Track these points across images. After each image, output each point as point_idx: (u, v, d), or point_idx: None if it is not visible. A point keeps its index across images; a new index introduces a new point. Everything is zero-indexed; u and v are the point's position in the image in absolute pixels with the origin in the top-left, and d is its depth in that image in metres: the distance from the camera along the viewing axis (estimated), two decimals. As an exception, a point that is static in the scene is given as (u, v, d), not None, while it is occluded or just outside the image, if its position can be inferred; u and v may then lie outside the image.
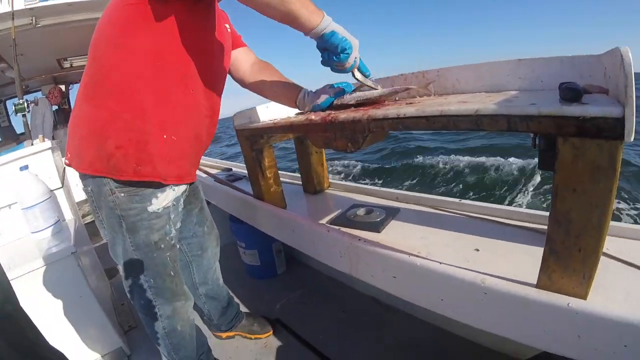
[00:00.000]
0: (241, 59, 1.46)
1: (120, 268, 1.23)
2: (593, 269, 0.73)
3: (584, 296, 0.75)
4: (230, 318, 1.79)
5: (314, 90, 1.27)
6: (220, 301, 1.73)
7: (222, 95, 1.30)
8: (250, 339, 1.82)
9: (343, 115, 1.02)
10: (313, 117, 1.12)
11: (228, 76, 1.39)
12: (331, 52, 1.04)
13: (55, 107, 5.88)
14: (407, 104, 0.98)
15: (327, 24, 1.00)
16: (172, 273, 1.25)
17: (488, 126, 0.74)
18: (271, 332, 1.84)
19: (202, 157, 1.34)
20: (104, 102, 1.06)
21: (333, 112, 1.08)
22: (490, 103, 0.76)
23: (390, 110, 0.92)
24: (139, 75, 1.05)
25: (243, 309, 2.07)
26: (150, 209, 1.15)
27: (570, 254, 0.74)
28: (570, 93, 0.68)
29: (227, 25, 1.34)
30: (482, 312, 0.89)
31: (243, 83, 1.47)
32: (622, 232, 1.03)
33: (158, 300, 1.26)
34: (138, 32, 1.03)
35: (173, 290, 1.27)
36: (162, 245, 1.20)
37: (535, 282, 0.81)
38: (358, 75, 1.12)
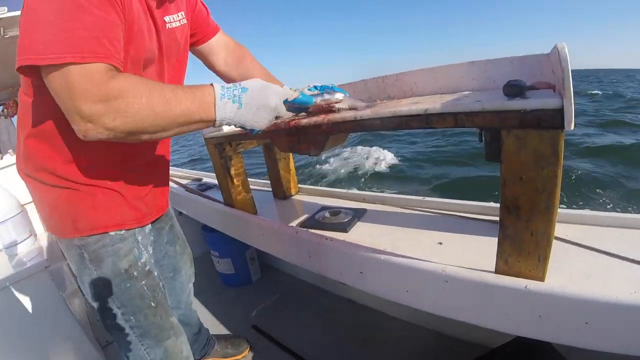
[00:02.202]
0: (214, 48, 1.30)
1: (95, 309, 1.08)
2: (547, 251, 0.78)
3: (541, 278, 0.80)
4: (202, 344, 1.68)
5: (294, 89, 1.13)
6: (192, 327, 1.61)
7: None
8: (227, 363, 1.75)
9: (305, 120, 1.05)
10: (277, 122, 1.13)
11: None
12: None
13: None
14: (366, 106, 1.03)
15: (221, 122, 0.86)
16: (152, 304, 1.08)
17: (437, 124, 0.79)
18: (247, 349, 1.78)
19: (172, 168, 1.27)
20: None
21: (296, 117, 1.11)
22: (438, 103, 0.81)
23: (348, 113, 0.96)
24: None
25: (219, 319, 2.09)
26: (112, 231, 1.02)
27: (522, 238, 0.78)
28: (513, 89, 0.73)
29: (181, 14, 1.09)
30: (445, 300, 0.93)
31: (219, 74, 1.33)
32: (581, 219, 1.09)
33: (145, 341, 1.10)
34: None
35: (159, 325, 1.11)
36: (135, 273, 1.05)
37: (494, 269, 0.86)
38: (288, 115, 1.02)
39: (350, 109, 1.01)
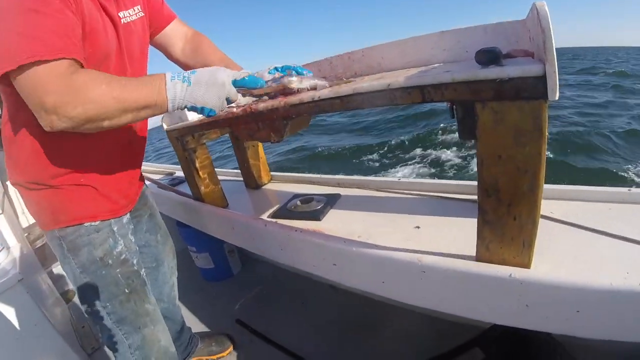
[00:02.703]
0: (172, 37, 1.32)
1: (78, 297, 1.15)
2: (532, 236, 0.71)
3: (527, 264, 0.74)
4: (185, 342, 1.66)
5: (253, 73, 1.14)
6: (175, 323, 1.60)
7: None
8: (213, 360, 1.74)
9: (262, 104, 0.98)
10: (235, 109, 1.07)
11: None
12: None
13: None
14: (328, 85, 0.94)
15: (173, 102, 0.90)
16: (127, 291, 1.14)
17: (402, 99, 0.71)
18: (231, 347, 1.76)
19: (144, 163, 1.30)
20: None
21: (253, 103, 1.03)
22: (403, 76, 0.73)
23: (305, 95, 0.89)
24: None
25: (202, 315, 2.05)
26: (87, 222, 1.08)
27: (505, 223, 0.72)
28: (486, 56, 0.65)
29: (137, 8, 1.14)
30: (424, 292, 0.88)
31: (178, 63, 1.34)
32: (566, 194, 1.04)
33: (122, 327, 1.16)
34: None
35: (134, 310, 1.16)
36: (110, 262, 1.11)
37: (474, 255, 0.80)
38: (242, 100, 1.02)
39: (311, 89, 0.93)
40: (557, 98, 0.58)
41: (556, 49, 0.57)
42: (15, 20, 0.79)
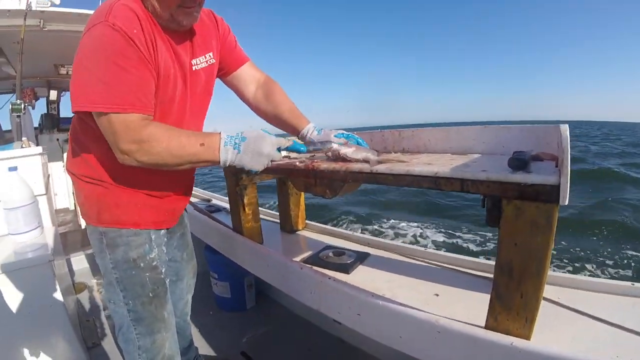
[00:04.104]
0: (244, 81, 1.41)
1: (104, 289, 1.24)
2: (534, 312, 0.84)
3: (527, 336, 0.85)
4: (190, 359, 1.72)
5: (320, 129, 1.33)
6: (184, 339, 1.65)
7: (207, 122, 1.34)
8: (212, 384, 1.75)
9: (324, 165, 1.13)
10: (297, 163, 1.22)
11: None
12: None
13: (34, 111, 5.74)
14: (382, 160, 1.09)
15: (224, 164, 1.06)
16: (150, 294, 1.22)
17: (445, 187, 0.87)
18: None
19: None
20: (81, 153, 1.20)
21: (316, 161, 1.19)
22: (448, 167, 0.89)
23: (365, 165, 1.05)
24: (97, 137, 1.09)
25: (209, 340, 2.10)
26: (127, 228, 1.19)
27: (513, 299, 0.84)
28: (516, 162, 0.80)
29: (208, 56, 1.25)
30: (436, 349, 0.98)
31: (247, 104, 1.45)
32: (574, 283, 1.15)
33: (138, 327, 1.23)
34: None
35: (153, 313, 1.23)
36: (142, 264, 1.20)
37: (484, 324, 0.91)
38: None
39: (364, 160, 1.10)
40: (566, 204, 0.73)
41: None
42: (99, 66, 0.95)
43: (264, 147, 1.06)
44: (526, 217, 0.78)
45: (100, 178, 1.16)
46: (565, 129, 0.77)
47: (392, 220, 8.02)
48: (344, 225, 7.82)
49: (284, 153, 1.19)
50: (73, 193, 3.64)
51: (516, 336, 0.86)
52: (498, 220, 0.82)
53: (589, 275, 1.17)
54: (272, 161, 1.08)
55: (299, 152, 1.16)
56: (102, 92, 0.95)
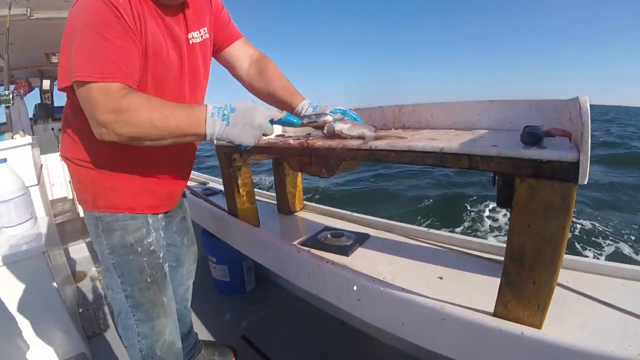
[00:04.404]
0: (237, 57, 1.38)
1: (101, 275, 1.20)
2: (547, 301, 0.78)
3: (538, 325, 0.80)
4: (190, 346, 1.69)
5: (315, 106, 1.27)
6: (184, 325, 1.62)
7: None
8: (212, 369, 1.75)
9: (319, 142, 1.06)
10: (291, 141, 1.16)
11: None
12: None
13: (30, 101, 5.75)
14: (380, 136, 1.03)
15: (211, 136, 0.99)
16: (148, 280, 1.20)
17: (451, 164, 0.80)
18: (233, 358, 1.80)
19: None
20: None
21: (311, 139, 1.12)
22: (455, 142, 0.82)
23: (363, 142, 0.97)
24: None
25: (209, 325, 2.08)
26: (122, 212, 1.16)
27: (524, 286, 0.78)
28: (530, 137, 0.73)
29: (203, 31, 1.21)
30: (441, 337, 0.93)
31: (241, 82, 1.41)
32: (583, 266, 1.09)
33: (136, 313, 1.21)
34: None
35: (151, 299, 1.21)
36: (139, 249, 1.17)
37: (492, 311, 0.86)
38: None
39: (359, 137, 1.03)
40: (586, 183, 0.66)
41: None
42: (82, 35, 0.92)
43: (255, 118, 0.99)
44: (541, 197, 0.71)
45: (94, 161, 1.13)
46: (585, 101, 0.69)
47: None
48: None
49: (277, 129, 1.12)
50: (70, 182, 3.62)
51: (527, 325, 0.80)
52: (510, 200, 0.75)
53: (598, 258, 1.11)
54: (264, 135, 1.02)
55: (292, 125, 1.08)
56: (82, 62, 0.91)
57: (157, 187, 1.22)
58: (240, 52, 1.38)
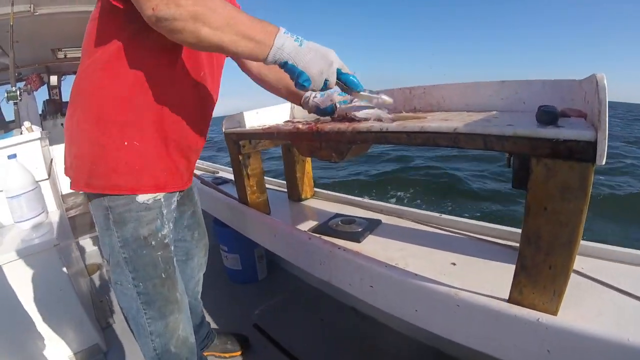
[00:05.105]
0: None
1: (110, 270, 1.12)
2: (563, 286, 0.75)
3: (554, 312, 0.77)
4: (202, 337, 1.68)
5: (323, 94, 1.22)
6: (195, 316, 1.59)
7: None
8: (225, 357, 1.76)
9: (329, 126, 1.04)
10: (300, 126, 1.14)
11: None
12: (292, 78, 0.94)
13: (40, 97, 5.81)
14: (391, 119, 1.00)
15: (277, 51, 0.88)
16: (163, 275, 1.11)
17: (465, 144, 0.77)
18: (246, 348, 1.79)
19: None
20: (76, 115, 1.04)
21: (320, 122, 1.10)
22: (469, 122, 0.79)
23: (374, 124, 0.95)
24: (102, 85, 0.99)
25: (221, 314, 2.09)
26: (139, 199, 1.04)
27: (540, 271, 0.76)
28: (546, 116, 0.71)
29: None
30: (455, 324, 0.91)
31: (250, 75, 1.37)
32: (598, 252, 1.06)
33: (148, 311, 1.13)
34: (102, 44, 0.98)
35: (165, 296, 1.13)
36: (153, 243, 1.08)
37: (507, 297, 0.84)
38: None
39: (376, 120, 1.00)
40: (604, 163, 0.63)
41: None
42: None
43: (330, 54, 0.91)
44: (558, 178, 0.68)
45: (102, 127, 1.00)
46: (602, 77, 0.67)
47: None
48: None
49: (284, 116, 1.07)
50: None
51: (542, 311, 0.78)
52: (526, 181, 0.73)
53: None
54: (326, 80, 0.93)
55: (353, 87, 0.97)
56: None
57: (168, 154, 1.09)
58: None
